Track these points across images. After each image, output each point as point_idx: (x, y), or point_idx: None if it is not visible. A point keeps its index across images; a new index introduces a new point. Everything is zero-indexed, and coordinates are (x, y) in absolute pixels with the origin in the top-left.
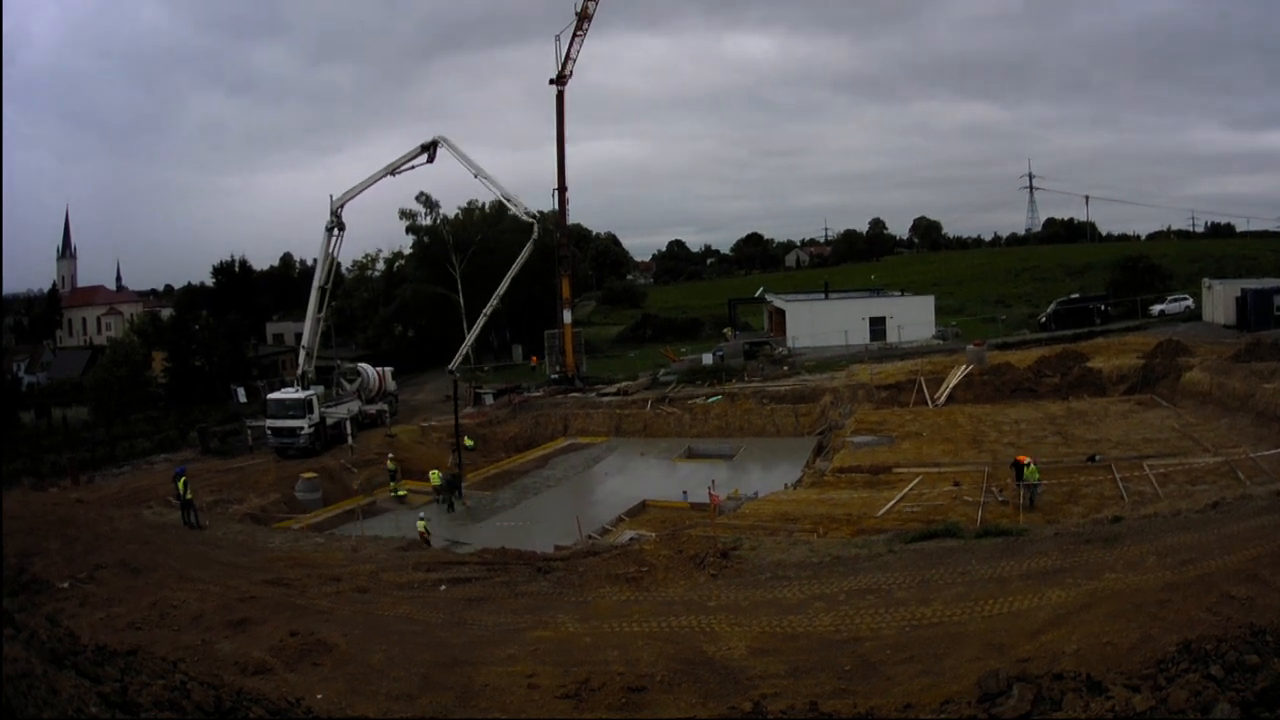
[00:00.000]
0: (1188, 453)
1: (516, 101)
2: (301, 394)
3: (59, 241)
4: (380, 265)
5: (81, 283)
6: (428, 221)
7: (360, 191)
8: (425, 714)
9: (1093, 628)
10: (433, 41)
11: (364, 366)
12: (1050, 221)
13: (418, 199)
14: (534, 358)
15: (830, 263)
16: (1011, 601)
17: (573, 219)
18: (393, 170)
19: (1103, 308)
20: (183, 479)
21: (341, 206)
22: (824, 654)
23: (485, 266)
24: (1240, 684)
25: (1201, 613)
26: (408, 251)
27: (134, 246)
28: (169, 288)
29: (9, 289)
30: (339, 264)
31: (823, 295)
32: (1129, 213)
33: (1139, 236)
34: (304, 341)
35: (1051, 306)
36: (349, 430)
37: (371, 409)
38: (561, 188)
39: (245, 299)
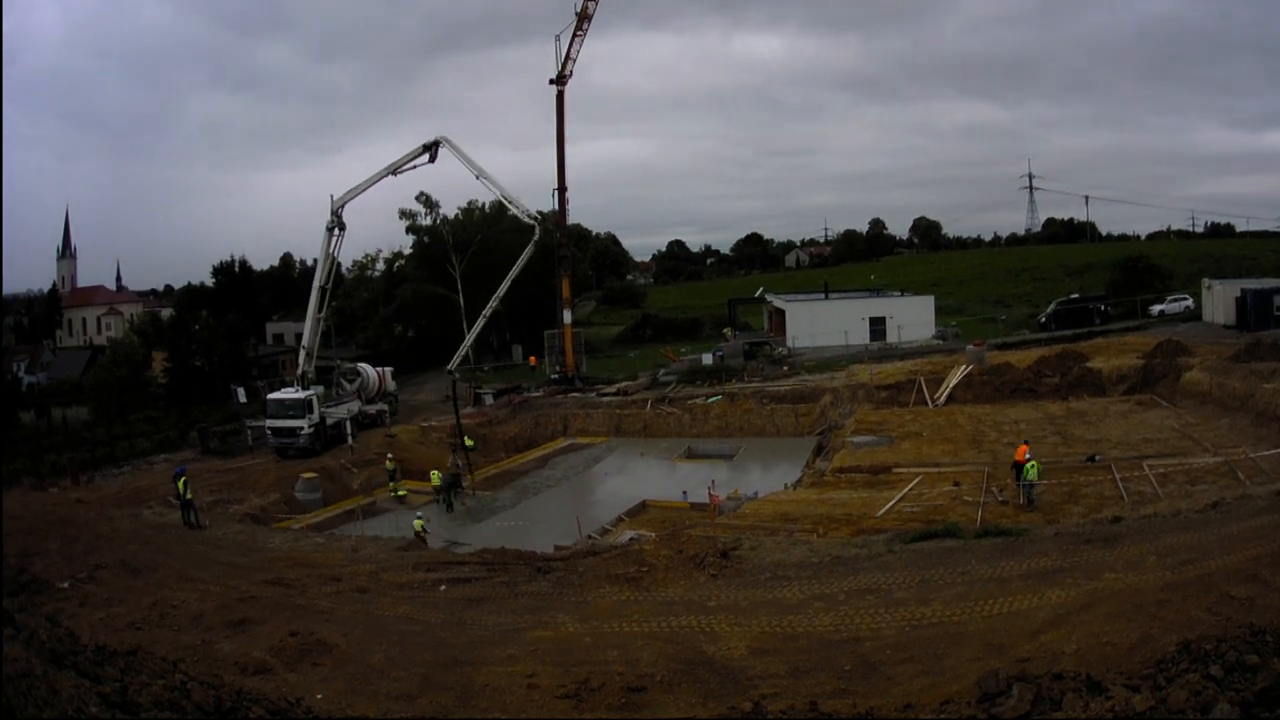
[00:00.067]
0: (1188, 453)
1: (519, 101)
2: (301, 394)
3: (59, 241)
4: (380, 265)
5: (81, 283)
6: (428, 221)
7: (361, 191)
8: (425, 714)
9: (1093, 628)
10: (435, 40)
11: (364, 366)
12: (1050, 221)
13: (418, 199)
14: (533, 358)
15: (830, 263)
16: (1011, 601)
17: (573, 219)
18: (394, 170)
19: (1103, 308)
20: (183, 479)
21: (342, 206)
22: (824, 654)
23: (485, 266)
24: (1240, 684)
25: (1201, 613)
26: (408, 251)
27: (134, 246)
28: (169, 288)
29: (9, 289)
30: (339, 264)
31: (823, 295)
32: (1129, 213)
33: (1139, 236)
34: (304, 341)
35: (1051, 306)
36: (349, 430)
37: (371, 409)
38: (561, 188)
39: (245, 299)
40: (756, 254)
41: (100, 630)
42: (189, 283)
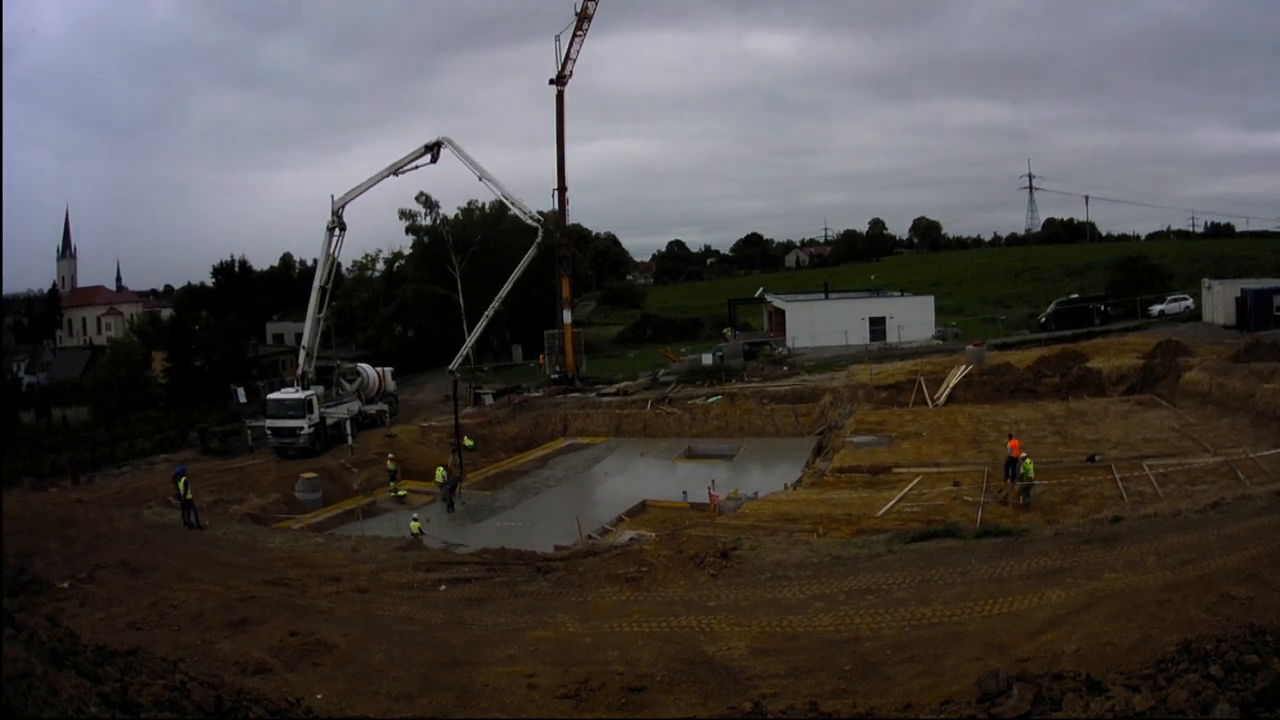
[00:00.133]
0: (1187, 453)
1: (528, 100)
2: (301, 394)
3: (59, 241)
4: (380, 265)
5: (81, 283)
6: (428, 221)
7: (362, 192)
8: (425, 714)
9: (1093, 628)
10: (446, 38)
11: (364, 366)
12: (1050, 222)
13: (418, 199)
14: (542, 357)
15: (830, 263)
16: (1011, 601)
17: (575, 218)
18: (396, 170)
19: (1102, 308)
20: (183, 479)
21: (343, 207)
22: (824, 654)
23: (485, 267)
24: (1240, 684)
25: (1201, 613)
26: (408, 251)
27: (134, 246)
28: (169, 288)
29: (9, 289)
30: (339, 264)
31: (822, 295)
32: (1129, 213)
33: (1139, 237)
34: (304, 342)
35: (1051, 307)
36: (349, 430)
37: (371, 409)
38: (561, 188)
39: (245, 299)
40: (756, 254)
41: (100, 630)
42: (189, 283)
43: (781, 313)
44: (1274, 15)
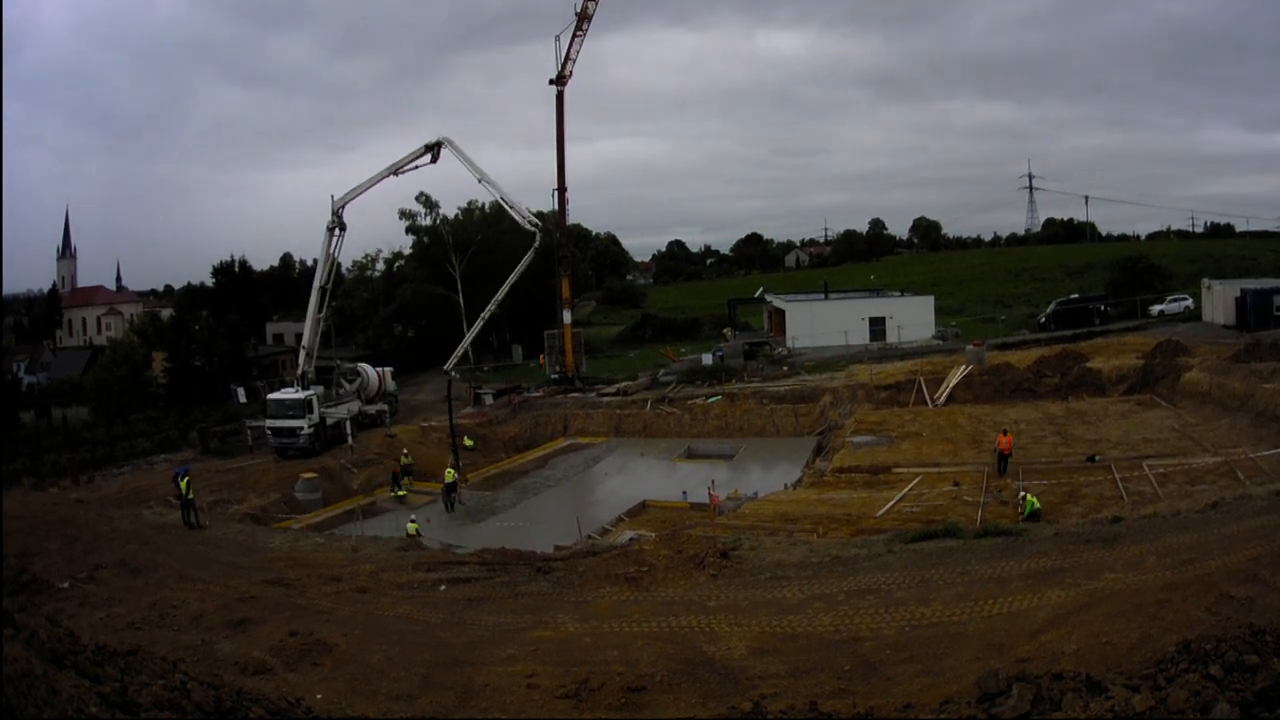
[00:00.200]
0: (1187, 453)
1: (532, 99)
2: (301, 394)
3: (59, 241)
4: (380, 265)
5: (81, 283)
6: (428, 222)
7: (362, 192)
8: (425, 714)
9: (1092, 628)
10: (455, 36)
11: (364, 366)
12: (1050, 222)
13: (418, 199)
14: (541, 356)
15: (830, 263)
16: (1011, 601)
17: (575, 218)
18: (396, 170)
19: (1102, 308)
20: (185, 478)
21: (343, 207)
22: (824, 654)
23: (485, 267)
24: (1240, 684)
25: (1201, 613)
26: (408, 251)
27: (134, 246)
28: (169, 288)
29: (9, 289)
30: (339, 264)
31: (822, 295)
32: (1129, 213)
33: (1139, 237)
34: (304, 342)
35: (1051, 307)
36: (349, 430)
37: (371, 409)
38: (561, 188)
39: (245, 299)
40: (756, 254)
41: (100, 630)
42: (189, 283)
43: (781, 313)
44: (1275, 15)
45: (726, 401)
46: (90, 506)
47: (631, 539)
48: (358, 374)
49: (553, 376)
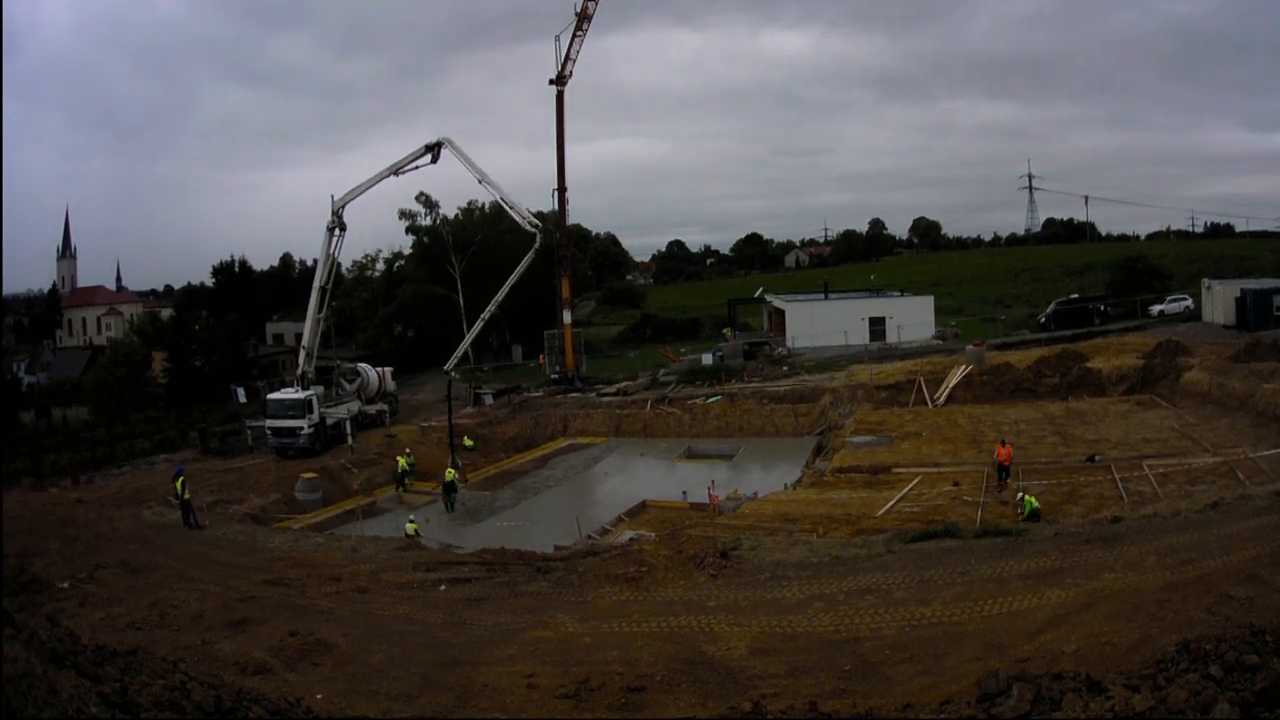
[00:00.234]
0: (1187, 453)
1: (536, 99)
2: (301, 394)
3: (59, 241)
4: (380, 265)
5: (81, 283)
6: (428, 222)
7: (362, 192)
8: (425, 714)
9: (1092, 628)
10: (454, 36)
11: (364, 367)
12: (1050, 222)
13: (418, 199)
14: (541, 356)
15: (830, 263)
16: (1011, 601)
17: (575, 218)
18: (396, 170)
19: (1102, 308)
20: (180, 479)
21: (343, 207)
22: (824, 654)
23: (485, 267)
24: (1240, 684)
25: (1201, 613)
26: (408, 251)
27: (134, 246)
28: (169, 288)
29: (9, 289)
30: (339, 264)
31: (822, 295)
32: (1129, 213)
33: (1139, 237)
34: (304, 342)
35: (1051, 307)
36: (349, 430)
37: (371, 409)
38: (561, 188)
39: (245, 299)
40: (756, 254)
41: (100, 630)
42: (189, 283)
43: (781, 313)
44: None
45: (726, 401)
46: (90, 506)
47: (631, 539)
48: (358, 374)
49: (553, 376)
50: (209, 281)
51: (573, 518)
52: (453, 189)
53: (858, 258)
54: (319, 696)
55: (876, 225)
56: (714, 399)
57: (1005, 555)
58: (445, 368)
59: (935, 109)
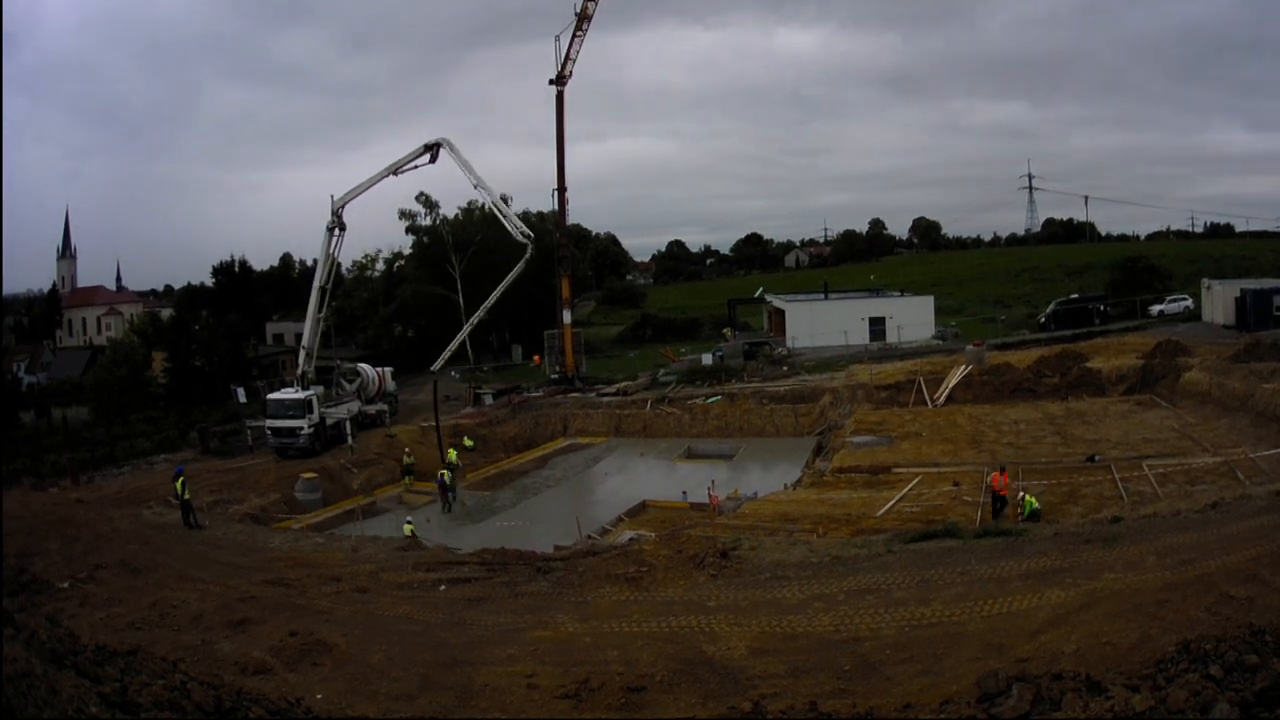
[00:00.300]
0: (1187, 453)
1: (545, 97)
2: (301, 394)
3: (59, 241)
4: (380, 265)
5: (81, 283)
6: (427, 222)
7: (362, 192)
8: (425, 714)
9: (1092, 628)
10: (470, 32)
11: (364, 367)
12: (1050, 222)
13: (418, 199)
14: (536, 357)
15: (830, 263)
16: (1011, 601)
17: (577, 217)
18: (395, 170)
19: (1102, 308)
20: (180, 479)
21: (343, 207)
22: (823, 654)
23: (485, 266)
24: (1239, 684)
25: (1201, 613)
26: (408, 251)
27: (134, 246)
28: (169, 288)
29: (9, 289)
30: (339, 264)
31: (822, 295)
32: (1130, 213)
33: (1139, 237)
34: (304, 342)
35: (1051, 307)
36: (349, 430)
37: (371, 409)
38: (561, 188)
39: (245, 299)
40: (756, 254)
41: (100, 630)
42: (189, 283)
43: (781, 313)
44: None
45: (726, 401)
46: (90, 506)
47: (631, 539)
48: (358, 374)
49: (553, 376)
50: (209, 281)
51: (573, 518)
52: (453, 189)
53: (858, 258)
54: (319, 696)
55: (876, 225)
56: (714, 399)
57: (1005, 555)
58: (431, 368)
59: (943, 109)
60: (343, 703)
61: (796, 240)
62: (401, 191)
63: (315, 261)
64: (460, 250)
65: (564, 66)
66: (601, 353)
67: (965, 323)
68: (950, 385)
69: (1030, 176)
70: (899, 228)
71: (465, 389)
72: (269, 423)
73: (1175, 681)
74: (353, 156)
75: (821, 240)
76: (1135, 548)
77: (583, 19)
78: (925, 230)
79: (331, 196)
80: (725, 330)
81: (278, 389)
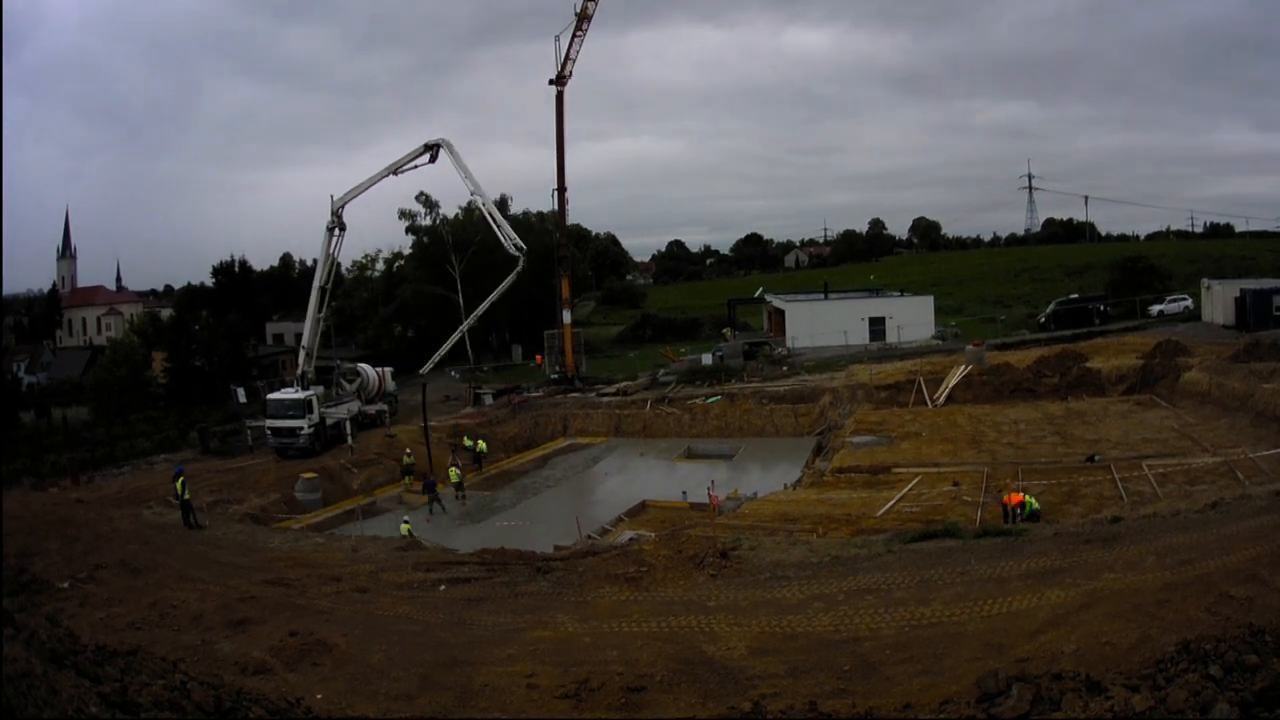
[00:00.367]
0: (1187, 453)
1: (550, 96)
2: (301, 394)
3: (59, 241)
4: (380, 265)
5: (81, 283)
6: (427, 222)
7: (362, 191)
8: (425, 714)
9: (1092, 628)
10: (475, 32)
11: (364, 367)
12: (1050, 222)
13: (418, 199)
14: (539, 356)
15: (830, 263)
16: (1010, 601)
17: (576, 217)
18: (395, 170)
19: (1102, 308)
20: (180, 479)
21: (342, 206)
22: (823, 654)
23: (485, 266)
24: (1239, 684)
25: (1200, 613)
26: (408, 251)
27: (134, 246)
28: (169, 288)
29: (9, 289)
30: (339, 264)
31: (822, 295)
32: (1130, 213)
33: (1139, 237)
34: (304, 342)
35: (1051, 307)
36: (349, 430)
37: (371, 409)
38: (561, 188)
39: (245, 299)
40: (756, 254)
41: (100, 630)
42: (189, 283)
43: (781, 313)
44: None
45: (726, 401)
46: (90, 506)
47: (631, 539)
48: (358, 374)
49: (552, 376)
50: (209, 281)
51: (573, 518)
52: (453, 189)
53: (858, 258)
54: (319, 696)
55: (876, 225)
56: (714, 399)
57: (1005, 555)
58: (420, 371)
59: (950, 108)
60: (343, 703)
61: (796, 240)
62: (401, 191)
63: (315, 261)
64: (460, 250)
65: (564, 67)
66: (601, 353)
67: (965, 323)
68: (950, 385)
69: (1030, 176)
70: (899, 228)
71: (465, 389)
72: (269, 423)
73: (1175, 681)
74: (354, 156)
75: (821, 240)
76: (1135, 548)
77: (582, 19)
78: (925, 230)
79: (331, 196)
80: (725, 330)
81: (278, 389)
